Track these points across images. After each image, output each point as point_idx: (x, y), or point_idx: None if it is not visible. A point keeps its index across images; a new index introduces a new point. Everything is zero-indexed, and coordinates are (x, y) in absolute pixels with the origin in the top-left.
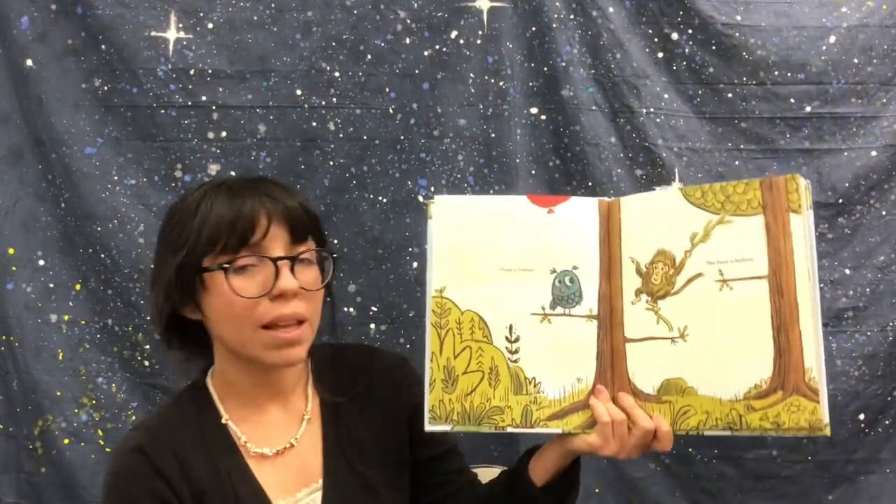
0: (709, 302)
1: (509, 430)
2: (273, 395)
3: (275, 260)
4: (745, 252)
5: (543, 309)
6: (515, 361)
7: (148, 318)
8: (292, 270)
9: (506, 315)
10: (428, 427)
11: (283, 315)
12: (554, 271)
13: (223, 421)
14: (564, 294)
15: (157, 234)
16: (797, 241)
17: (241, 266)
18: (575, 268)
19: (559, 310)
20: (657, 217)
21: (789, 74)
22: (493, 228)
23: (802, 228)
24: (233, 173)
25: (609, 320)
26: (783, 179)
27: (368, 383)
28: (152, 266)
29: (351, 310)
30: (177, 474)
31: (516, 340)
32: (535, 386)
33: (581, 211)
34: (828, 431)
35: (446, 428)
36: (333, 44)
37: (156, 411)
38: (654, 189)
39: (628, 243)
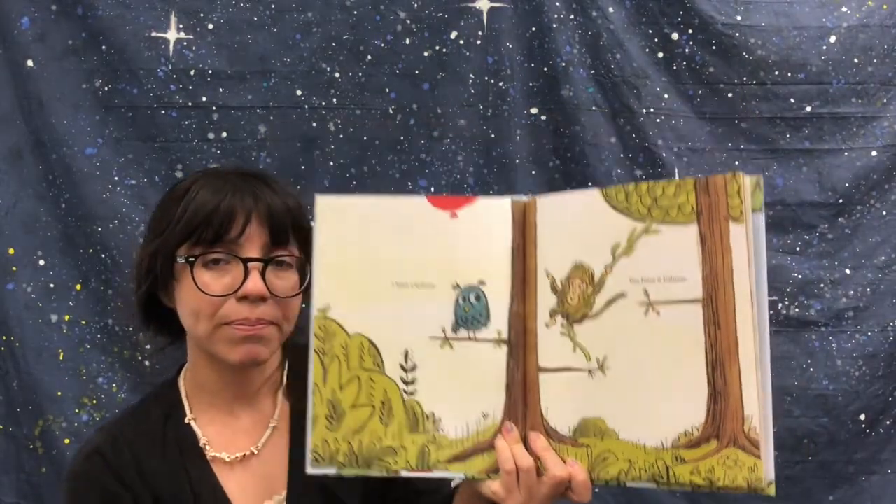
0: (632, 329)
1: (403, 473)
2: (240, 397)
3: (245, 261)
4: (675, 269)
5: (444, 331)
6: (411, 394)
7: None
8: (263, 273)
9: (400, 339)
10: (310, 470)
11: (247, 319)
12: (457, 287)
13: (186, 420)
14: (469, 314)
15: None
16: (738, 258)
17: (213, 260)
18: (481, 283)
19: (462, 332)
20: (575, 223)
21: (789, 74)
22: (387, 236)
23: (745, 241)
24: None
25: (522, 345)
26: (721, 179)
27: None
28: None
29: None
30: (135, 477)
31: (412, 369)
32: (433, 423)
33: (490, 215)
34: (771, 491)
35: (331, 471)
36: (333, 44)
37: (122, 412)
38: None
39: (544, 253)
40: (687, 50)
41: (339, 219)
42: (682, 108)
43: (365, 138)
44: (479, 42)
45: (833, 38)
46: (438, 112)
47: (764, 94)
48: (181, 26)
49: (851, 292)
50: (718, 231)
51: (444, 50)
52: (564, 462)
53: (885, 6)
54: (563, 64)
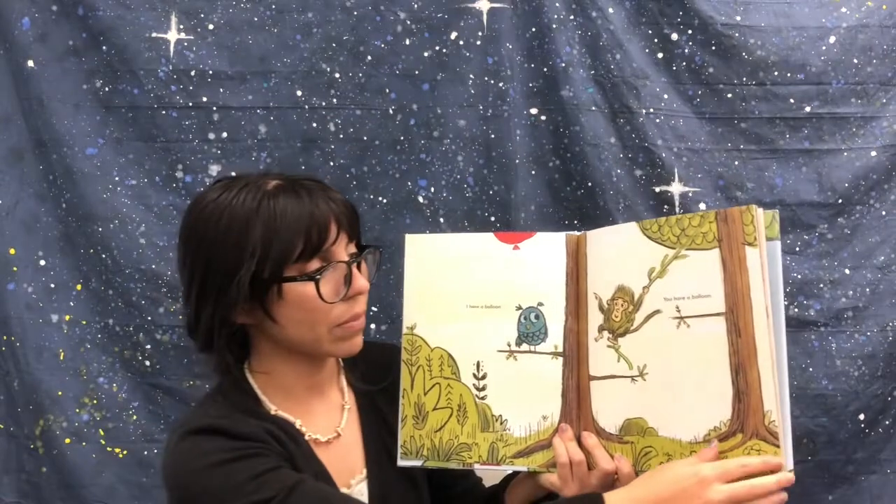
0: (666, 340)
1: (476, 467)
2: (312, 388)
3: (349, 263)
4: (702, 288)
5: (509, 346)
6: (483, 399)
7: (149, 318)
8: (359, 269)
9: (473, 352)
10: (400, 462)
11: (357, 314)
12: (519, 308)
13: (272, 412)
14: (530, 331)
15: (186, 236)
16: (754, 277)
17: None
18: (540, 304)
19: (524, 346)
20: (617, 252)
21: (789, 75)
22: (461, 266)
23: (759, 262)
24: (233, 174)
25: (575, 357)
26: (738, 211)
27: (394, 379)
28: (188, 269)
29: None
30: (266, 436)
31: (483, 377)
32: (501, 423)
33: (547, 247)
34: (791, 477)
35: (417, 463)
36: (334, 45)
37: (205, 406)
38: (653, 190)
39: (593, 279)
40: (687, 50)
41: (423, 253)
42: (682, 108)
43: (365, 138)
44: (478, 42)
45: (833, 39)
46: (438, 112)
47: (763, 95)
48: (181, 27)
49: (851, 292)
50: (737, 254)
51: (444, 50)
52: (612, 457)
53: (884, 6)
54: (563, 64)
